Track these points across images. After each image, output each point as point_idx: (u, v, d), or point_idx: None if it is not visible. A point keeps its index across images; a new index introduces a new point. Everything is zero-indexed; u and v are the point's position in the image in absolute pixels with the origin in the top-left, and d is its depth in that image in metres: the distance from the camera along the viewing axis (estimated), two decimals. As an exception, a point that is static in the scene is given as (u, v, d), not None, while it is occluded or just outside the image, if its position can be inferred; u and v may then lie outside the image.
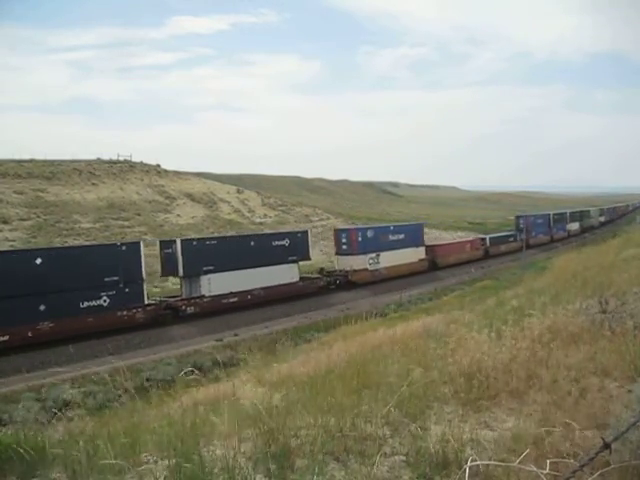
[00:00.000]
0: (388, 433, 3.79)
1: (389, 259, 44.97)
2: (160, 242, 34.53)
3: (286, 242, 37.64)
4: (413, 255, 48.19)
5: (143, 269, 29.74)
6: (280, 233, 43.07)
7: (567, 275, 12.10)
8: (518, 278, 31.41)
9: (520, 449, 3.11)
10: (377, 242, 44.47)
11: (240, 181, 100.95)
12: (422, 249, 49.95)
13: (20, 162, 62.76)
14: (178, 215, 62.52)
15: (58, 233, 49.25)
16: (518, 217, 74.45)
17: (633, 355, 4.80)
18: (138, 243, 30.97)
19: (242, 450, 3.46)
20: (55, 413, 13.58)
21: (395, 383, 4.51)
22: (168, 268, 33.17)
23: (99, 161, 70.73)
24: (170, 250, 32.37)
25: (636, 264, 11.19)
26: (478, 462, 2.90)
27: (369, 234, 44.52)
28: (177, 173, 76.91)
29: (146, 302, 29.95)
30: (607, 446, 2.35)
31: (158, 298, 32.46)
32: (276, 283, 35.97)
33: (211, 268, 32.54)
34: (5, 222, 48.16)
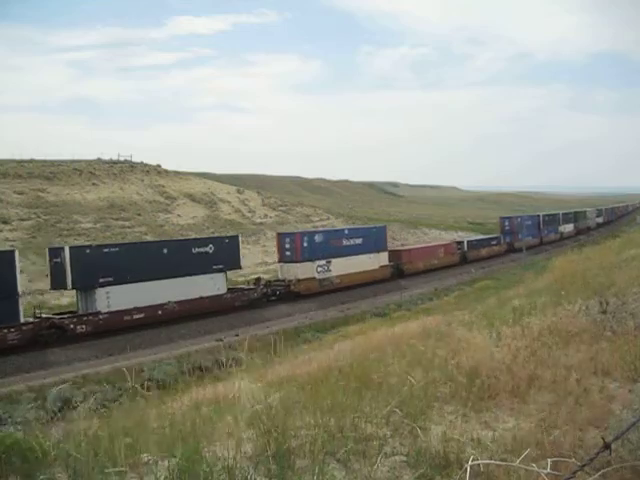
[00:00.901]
0: (389, 433, 3.79)
1: (342, 266, 40.38)
2: (48, 250, 29.72)
3: (210, 249, 33.39)
4: (373, 261, 43.37)
5: (18, 282, 25.82)
6: (203, 239, 38.58)
7: (567, 275, 12.08)
8: (518, 278, 31.43)
9: (521, 449, 3.11)
10: (327, 247, 39.89)
11: (240, 181, 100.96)
12: (385, 254, 45.10)
13: (20, 162, 62.74)
14: (178, 215, 62.51)
15: (58, 233, 49.24)
16: (503, 218, 70.92)
17: (633, 355, 4.80)
18: (12, 252, 26.98)
19: (242, 450, 3.46)
20: (55, 413, 13.60)
21: (396, 383, 4.51)
22: (57, 280, 28.31)
23: (99, 161, 70.72)
24: (59, 259, 27.91)
25: (636, 264, 11.18)
26: (479, 461, 2.90)
27: (317, 238, 40.07)
28: (177, 173, 76.91)
29: (22, 320, 25.67)
30: (607, 446, 2.35)
31: (42, 315, 27.83)
32: (195, 296, 31.45)
33: (110, 280, 28.20)
34: (5, 222, 48.15)
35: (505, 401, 4.40)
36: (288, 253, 38.56)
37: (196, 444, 3.37)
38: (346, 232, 44.50)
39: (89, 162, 68.81)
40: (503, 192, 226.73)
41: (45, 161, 65.31)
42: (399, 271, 46.50)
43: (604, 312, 6.48)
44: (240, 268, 36.75)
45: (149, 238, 53.03)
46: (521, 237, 66.56)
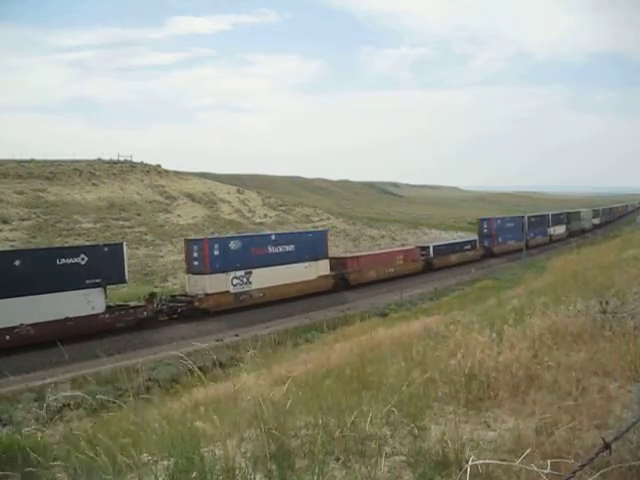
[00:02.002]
0: (388, 433, 3.79)
1: (267, 278, 35.02)
2: None
3: (82, 259, 27.52)
4: (309, 271, 38.10)
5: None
6: (71, 247, 33.80)
7: (567, 275, 12.10)
8: (518, 278, 31.46)
9: (521, 449, 3.11)
10: (247, 256, 34.63)
11: (240, 181, 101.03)
12: (325, 263, 39.65)
13: (20, 162, 62.79)
14: (178, 215, 62.54)
15: (58, 233, 49.27)
16: (481, 220, 65.29)
17: (633, 355, 4.80)
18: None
19: (242, 450, 3.46)
20: (55, 413, 13.60)
21: (395, 383, 4.51)
22: None
23: (99, 161, 70.77)
24: None
25: (636, 264, 11.18)
26: (479, 462, 2.90)
27: (233, 246, 34.48)
28: (177, 173, 76.95)
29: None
30: (607, 446, 2.35)
31: None
32: (59, 317, 26.07)
33: None
34: (5, 222, 48.17)
35: (505, 401, 4.40)
36: (196, 263, 33.39)
37: (196, 444, 3.37)
38: (273, 238, 38.24)
39: (89, 162, 68.85)
40: (503, 192, 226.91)
41: (45, 161, 65.35)
42: (344, 282, 41.11)
43: (604, 312, 6.48)
44: (124, 282, 30.49)
45: (149, 238, 53.13)
46: (501, 240, 62.24)
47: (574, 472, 2.29)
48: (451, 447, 3.37)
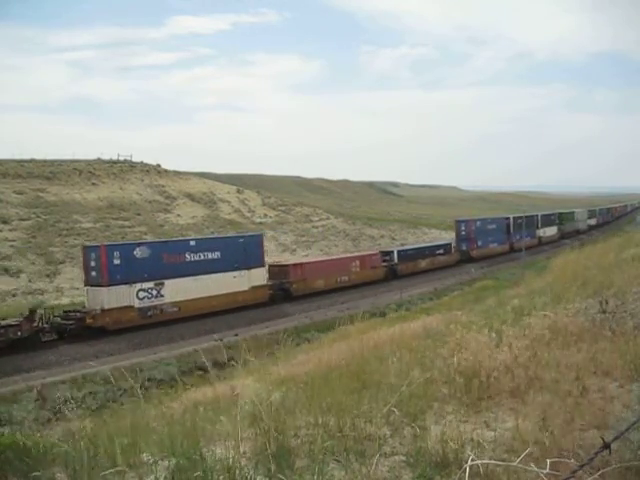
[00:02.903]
0: (388, 433, 3.79)
1: (184, 290, 30.57)
2: None
3: None
4: (240, 281, 33.59)
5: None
6: None
7: (567, 275, 12.09)
8: (518, 278, 31.45)
9: (520, 449, 3.11)
10: (158, 265, 29.76)
11: (240, 181, 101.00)
12: (261, 272, 35.35)
13: (20, 162, 62.75)
14: (178, 215, 62.53)
15: (58, 233, 49.25)
16: (459, 222, 58.94)
17: (633, 355, 4.80)
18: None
19: (242, 450, 3.46)
20: (55, 413, 13.61)
21: (395, 383, 4.51)
22: None
23: (99, 161, 70.73)
24: None
25: (636, 264, 11.19)
26: (478, 461, 2.90)
27: (139, 253, 29.45)
28: (177, 173, 76.93)
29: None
30: (607, 446, 2.35)
31: None
32: None
33: None
34: (5, 222, 48.15)
35: (505, 401, 4.40)
36: (94, 273, 28.62)
37: (196, 444, 3.37)
38: (192, 244, 33.27)
39: (89, 162, 68.82)
40: (503, 192, 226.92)
41: (45, 161, 65.33)
42: (285, 292, 36.73)
43: (604, 312, 6.49)
44: None
45: (149, 238, 53.10)
46: (482, 244, 56.83)
47: (574, 472, 2.29)
48: (451, 447, 3.37)
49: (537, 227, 68.40)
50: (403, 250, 50.09)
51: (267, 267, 37.65)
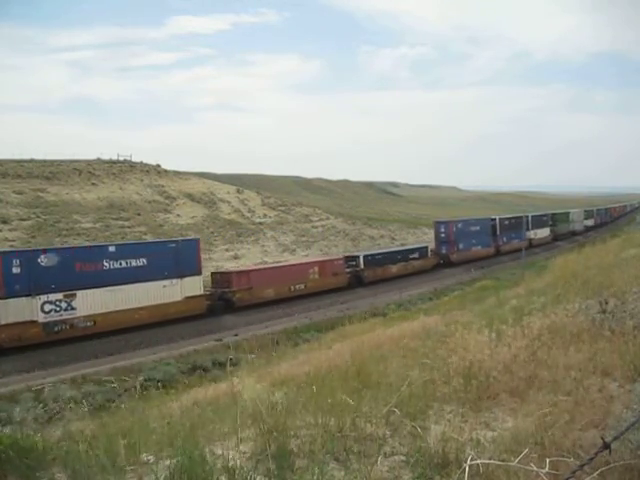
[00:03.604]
0: (388, 433, 3.79)
1: (101, 301, 27.67)
2: None
3: None
4: (171, 291, 30.69)
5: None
6: None
7: (567, 275, 12.09)
8: (518, 278, 31.45)
9: (520, 449, 3.12)
10: (68, 273, 26.63)
11: (240, 181, 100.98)
12: (196, 280, 32.04)
13: (20, 162, 62.75)
14: (178, 215, 62.52)
15: (58, 233, 49.24)
16: (438, 224, 55.46)
17: (633, 355, 4.81)
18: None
19: (242, 450, 3.47)
20: (55, 413, 13.59)
21: (395, 383, 4.51)
22: None
23: (99, 161, 70.72)
24: None
25: (636, 264, 11.19)
26: (478, 461, 2.91)
27: (45, 260, 26.15)
28: (177, 173, 76.92)
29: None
30: (607, 446, 2.35)
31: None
32: None
33: None
34: (5, 222, 48.15)
35: (504, 401, 4.40)
36: None
37: (196, 444, 3.37)
38: (111, 249, 29.76)
39: (89, 162, 68.80)
40: (503, 192, 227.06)
41: (45, 161, 65.33)
42: (227, 303, 33.61)
43: (603, 312, 6.48)
44: None
45: (149, 238, 53.11)
46: (463, 247, 53.45)
47: (573, 472, 2.29)
48: (451, 447, 3.37)
49: (527, 228, 65.04)
50: (371, 255, 46.39)
51: (211, 275, 35.64)
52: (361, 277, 42.85)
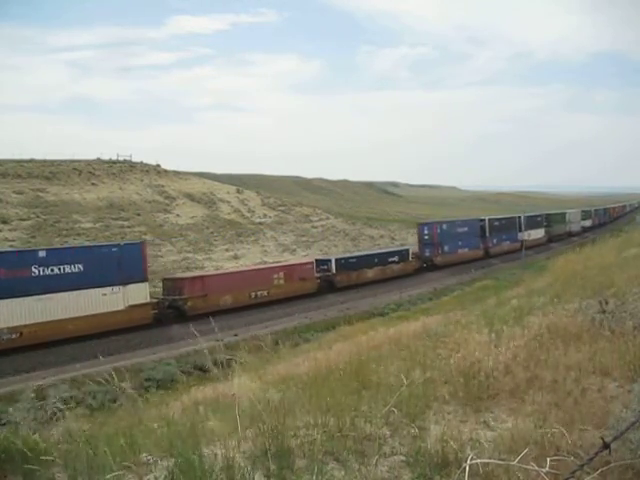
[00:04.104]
0: (388, 433, 3.79)
1: (29, 312, 25.28)
2: None
3: None
4: (112, 299, 28.31)
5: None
6: None
7: (567, 275, 12.10)
8: (518, 278, 31.48)
9: (520, 449, 3.11)
10: None
11: (240, 181, 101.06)
12: (141, 287, 29.42)
13: (20, 162, 62.80)
14: (178, 215, 62.53)
15: (58, 233, 49.25)
16: (422, 225, 53.22)
17: (633, 355, 4.80)
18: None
19: (242, 450, 3.47)
20: (55, 413, 13.60)
21: (395, 383, 4.51)
22: None
23: (99, 161, 70.75)
24: None
25: (636, 264, 11.19)
26: (478, 460, 2.90)
27: None
28: (177, 173, 76.96)
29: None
30: (607, 446, 2.35)
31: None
32: None
33: None
34: (5, 222, 48.17)
35: (504, 401, 4.40)
36: None
37: (195, 444, 3.37)
38: (41, 254, 27.01)
39: (88, 162, 68.84)
40: (503, 192, 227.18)
41: (45, 161, 65.37)
42: (178, 311, 31.13)
43: (603, 312, 6.48)
44: None
45: (148, 238, 53.17)
46: (448, 249, 51.19)
47: (573, 472, 2.29)
48: (450, 447, 3.37)
49: (520, 230, 62.34)
50: (343, 258, 43.39)
51: (162, 281, 33.75)
52: (333, 282, 40.45)
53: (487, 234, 57.11)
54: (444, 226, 52.96)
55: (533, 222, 65.59)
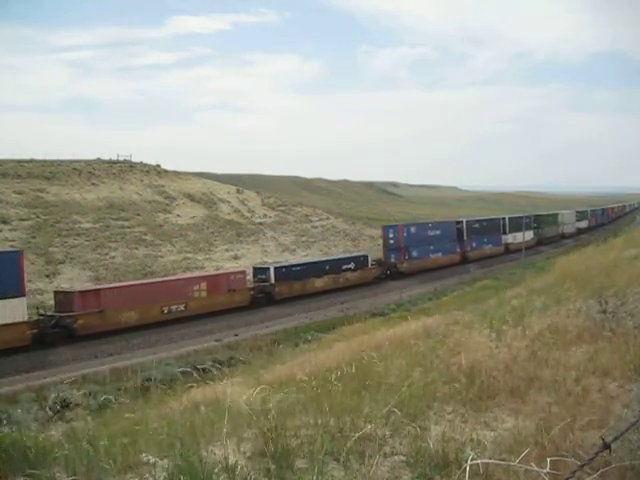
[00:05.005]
0: (388, 433, 3.79)
1: None
2: None
3: None
4: None
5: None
6: None
7: (567, 275, 12.10)
8: (518, 278, 31.48)
9: (520, 449, 3.11)
10: None
11: (240, 181, 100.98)
12: (17, 303, 25.13)
13: (20, 162, 62.73)
14: (178, 215, 62.51)
15: (58, 233, 49.24)
16: (386, 228, 48.76)
17: (633, 355, 4.80)
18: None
19: (242, 450, 3.47)
20: (55, 413, 13.61)
21: (395, 383, 4.51)
22: None
23: (99, 161, 70.71)
24: None
25: (636, 264, 11.19)
26: (478, 461, 2.90)
27: None
28: (177, 173, 76.91)
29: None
30: (607, 446, 2.35)
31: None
32: None
33: None
34: (5, 222, 48.14)
35: (505, 401, 4.40)
36: None
37: (195, 444, 3.37)
38: None
39: (88, 162, 68.79)
40: (503, 192, 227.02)
41: (45, 161, 65.32)
42: (65, 330, 26.67)
43: (604, 312, 6.48)
44: None
45: (148, 238, 53.20)
46: (417, 254, 46.66)
47: (574, 472, 2.29)
48: (451, 447, 3.37)
49: (504, 232, 58.79)
50: (285, 266, 38.40)
51: (54, 295, 29.73)
52: (271, 293, 35.61)
53: (465, 237, 52.86)
54: (412, 229, 48.40)
55: (520, 224, 60.32)
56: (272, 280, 35.93)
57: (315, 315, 33.33)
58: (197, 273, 39.70)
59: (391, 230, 47.52)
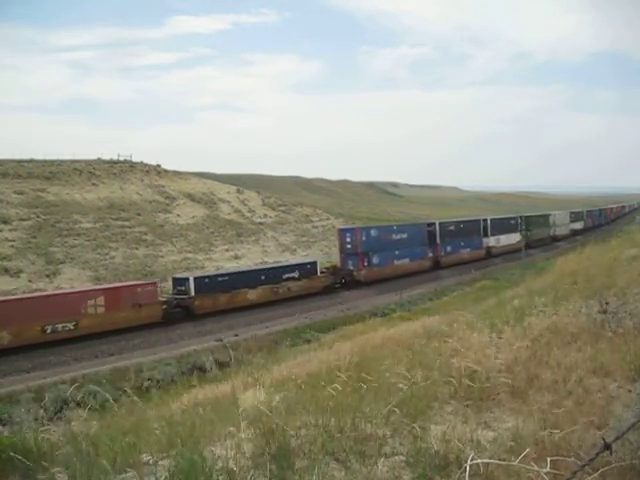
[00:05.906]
0: (388, 433, 3.79)
1: None
2: None
3: None
4: None
5: None
6: None
7: (567, 275, 12.10)
8: (518, 278, 31.49)
9: (521, 449, 3.11)
10: None
11: (240, 181, 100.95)
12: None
13: (20, 162, 62.75)
14: (178, 215, 62.51)
15: (58, 233, 49.25)
16: (343, 231, 43.53)
17: (633, 355, 4.80)
18: None
19: (242, 450, 3.46)
20: (55, 413, 13.60)
21: (396, 383, 4.50)
22: None
23: (99, 161, 70.73)
24: None
25: (636, 264, 11.19)
26: (478, 460, 2.90)
27: None
28: (177, 173, 76.92)
29: None
30: (608, 446, 2.35)
31: None
32: None
33: None
34: (5, 222, 48.15)
35: (505, 401, 4.40)
36: None
37: (196, 444, 3.37)
38: None
39: (89, 162, 68.81)
40: (503, 192, 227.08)
41: (45, 161, 65.35)
42: None
43: (604, 312, 6.49)
44: None
45: (149, 238, 53.23)
46: (378, 261, 41.78)
47: (574, 472, 2.29)
48: (451, 447, 3.37)
49: (485, 235, 54.24)
50: (208, 276, 33.88)
51: None
52: (190, 307, 30.97)
53: (438, 241, 47.99)
54: (373, 232, 43.10)
55: (504, 225, 57.15)
56: (192, 292, 31.12)
57: (315, 315, 33.29)
58: (94, 286, 34.44)
59: (348, 233, 42.08)
